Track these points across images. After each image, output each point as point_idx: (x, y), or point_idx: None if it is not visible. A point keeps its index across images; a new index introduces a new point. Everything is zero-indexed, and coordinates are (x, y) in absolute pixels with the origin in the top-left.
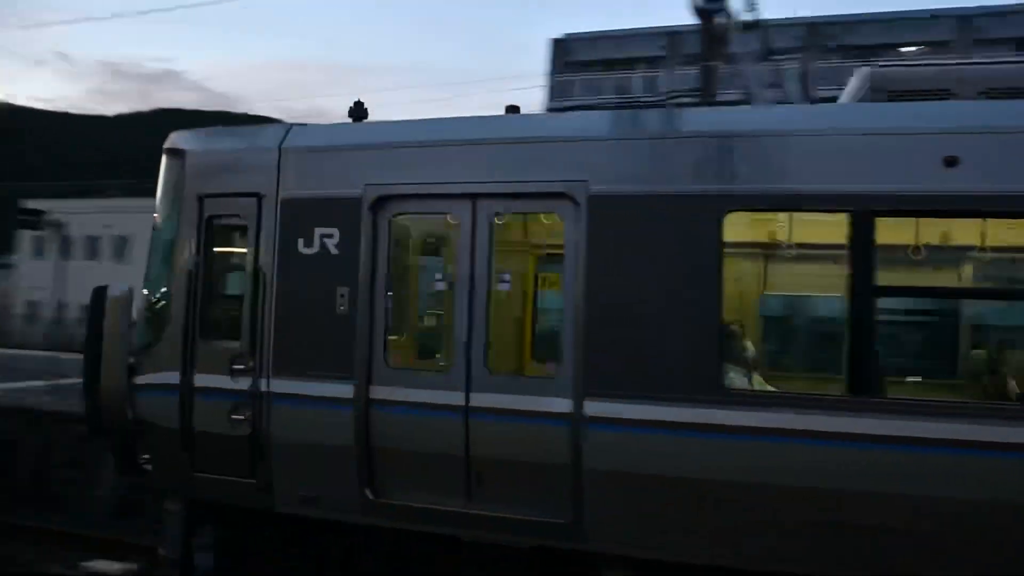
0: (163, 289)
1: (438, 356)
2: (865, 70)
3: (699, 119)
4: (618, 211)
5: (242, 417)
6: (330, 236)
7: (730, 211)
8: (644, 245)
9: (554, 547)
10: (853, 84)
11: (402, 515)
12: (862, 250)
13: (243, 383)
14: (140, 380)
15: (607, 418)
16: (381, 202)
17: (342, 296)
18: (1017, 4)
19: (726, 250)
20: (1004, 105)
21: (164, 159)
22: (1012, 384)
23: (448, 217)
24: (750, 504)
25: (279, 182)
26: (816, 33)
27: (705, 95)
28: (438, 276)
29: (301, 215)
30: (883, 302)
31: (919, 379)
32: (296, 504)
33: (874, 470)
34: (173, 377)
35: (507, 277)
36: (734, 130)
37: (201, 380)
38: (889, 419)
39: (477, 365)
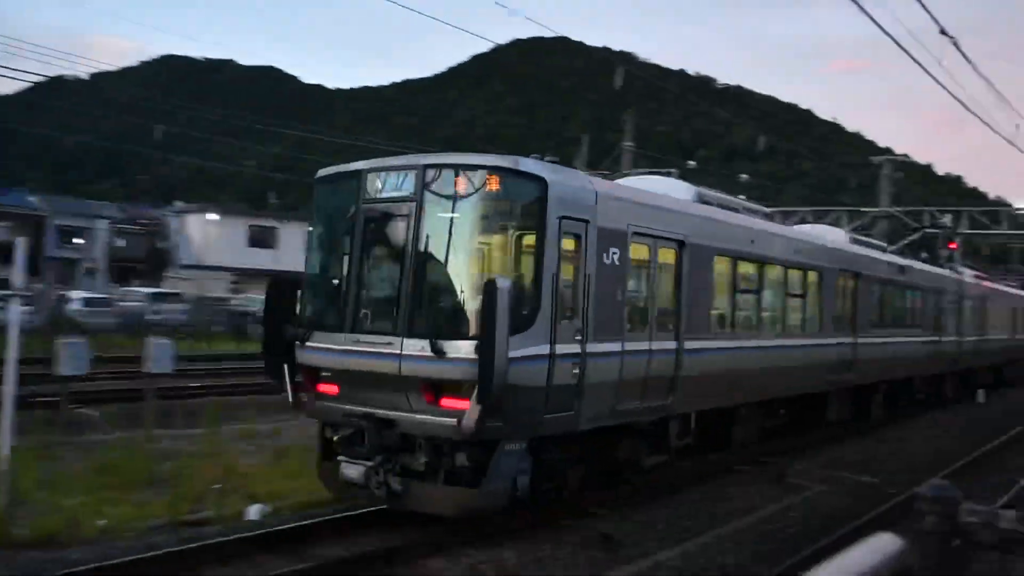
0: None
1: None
2: (693, 189)
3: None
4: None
5: (576, 370)
6: (615, 253)
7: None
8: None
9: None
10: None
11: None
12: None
13: (578, 348)
14: (516, 353)
15: (690, 348)
16: (630, 234)
17: (620, 291)
18: None
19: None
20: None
21: (514, 181)
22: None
23: (660, 246)
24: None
25: (597, 216)
26: None
27: None
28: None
29: (604, 238)
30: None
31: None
32: (590, 421)
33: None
34: (544, 348)
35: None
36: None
37: (560, 349)
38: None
39: (652, 330)
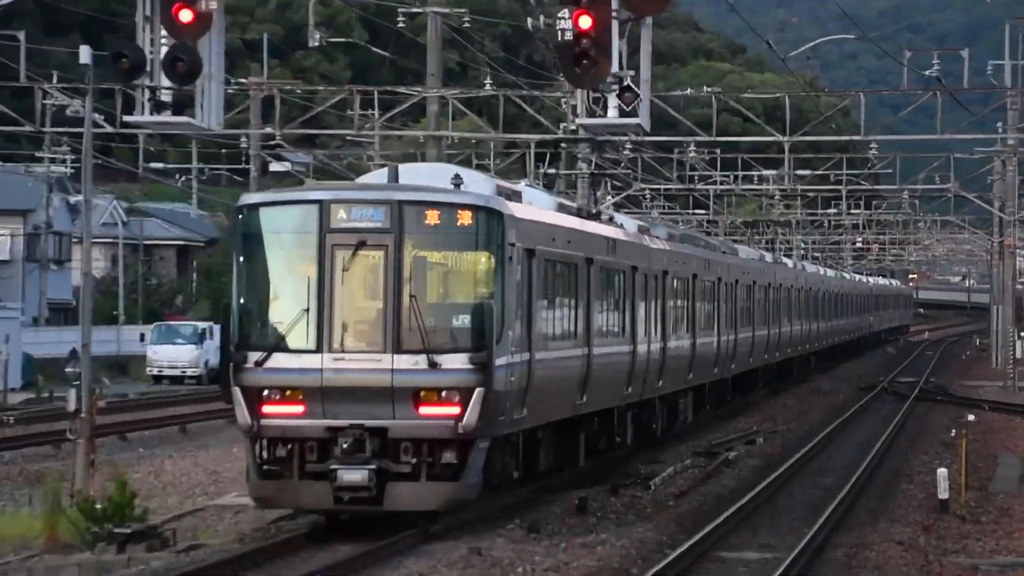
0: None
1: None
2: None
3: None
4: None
5: (523, 375)
6: (531, 270)
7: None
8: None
9: None
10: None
11: None
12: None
13: (527, 355)
14: (499, 362)
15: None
16: (532, 252)
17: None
18: None
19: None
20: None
21: (481, 215)
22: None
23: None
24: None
25: (527, 239)
26: None
27: None
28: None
29: (528, 257)
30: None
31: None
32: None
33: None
34: (507, 359)
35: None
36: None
37: (517, 357)
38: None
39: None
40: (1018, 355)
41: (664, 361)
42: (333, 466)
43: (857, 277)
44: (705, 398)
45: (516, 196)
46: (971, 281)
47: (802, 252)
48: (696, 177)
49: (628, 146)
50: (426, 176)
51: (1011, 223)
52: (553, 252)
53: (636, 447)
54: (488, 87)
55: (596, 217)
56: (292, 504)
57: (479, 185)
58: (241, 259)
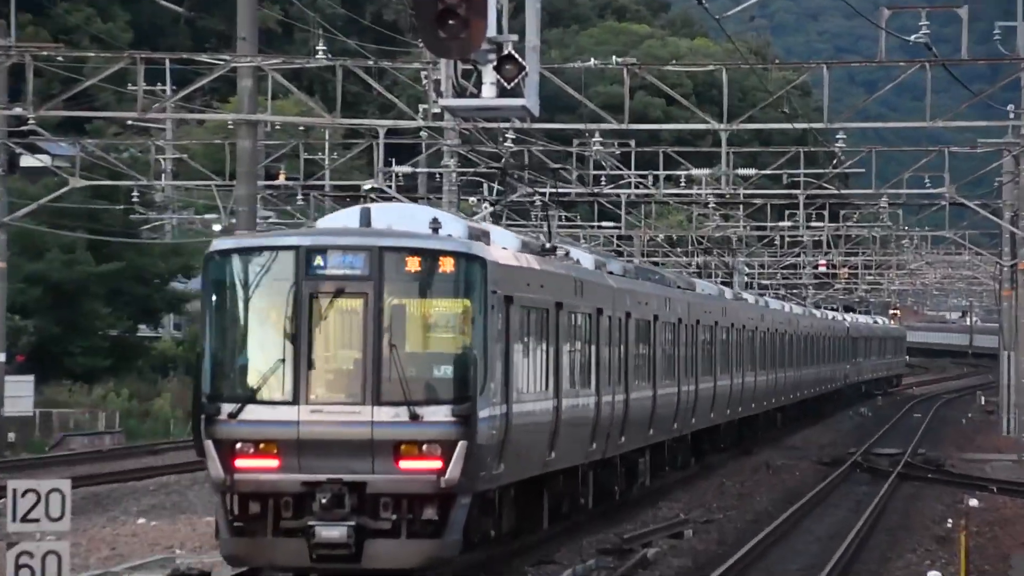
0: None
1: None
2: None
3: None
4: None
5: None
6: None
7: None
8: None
9: None
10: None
11: None
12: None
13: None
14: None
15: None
16: (511, 299)
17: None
18: None
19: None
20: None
21: (463, 261)
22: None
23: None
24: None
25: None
26: None
27: None
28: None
29: (505, 305)
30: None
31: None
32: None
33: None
34: (494, 410)
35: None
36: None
37: (499, 409)
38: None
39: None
40: None
41: (627, 415)
42: (310, 522)
43: (831, 315)
44: (664, 459)
45: (486, 237)
46: (974, 319)
47: (746, 279)
48: (603, 178)
49: (510, 136)
50: (397, 219)
51: None
52: (528, 298)
53: (596, 511)
54: (321, 56)
55: (552, 252)
56: (266, 562)
57: (449, 225)
58: (213, 307)
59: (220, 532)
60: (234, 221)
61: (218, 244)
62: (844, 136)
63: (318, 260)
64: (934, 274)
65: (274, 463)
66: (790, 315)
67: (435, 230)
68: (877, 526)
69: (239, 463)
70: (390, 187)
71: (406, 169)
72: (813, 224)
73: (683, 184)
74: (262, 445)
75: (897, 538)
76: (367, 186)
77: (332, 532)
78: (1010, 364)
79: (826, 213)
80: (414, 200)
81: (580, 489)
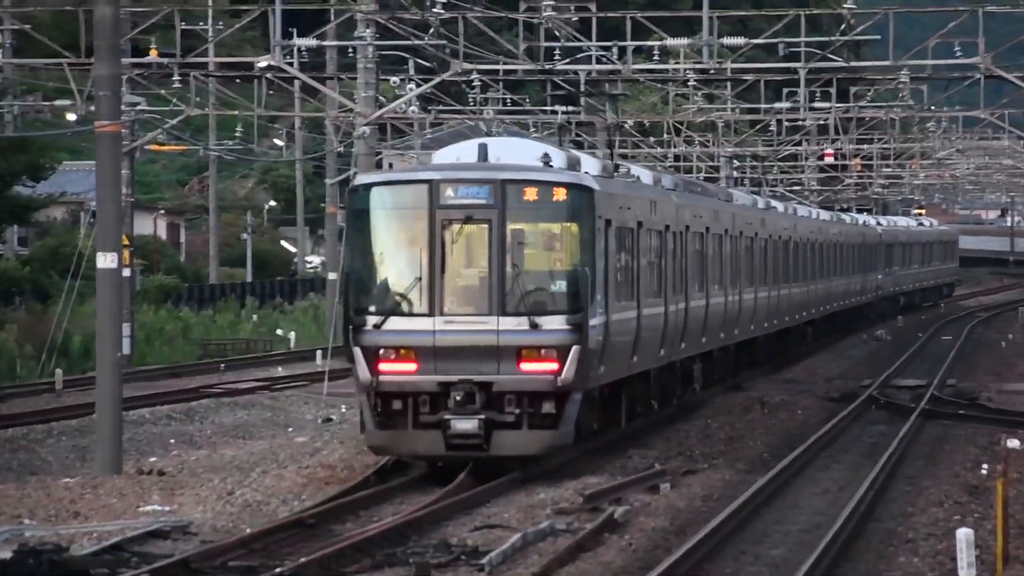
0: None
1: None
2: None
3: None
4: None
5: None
6: (619, 240)
7: None
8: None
9: None
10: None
11: None
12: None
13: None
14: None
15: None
16: (609, 222)
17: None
18: None
19: None
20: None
21: (574, 191)
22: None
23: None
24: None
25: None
26: None
27: None
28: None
29: (613, 230)
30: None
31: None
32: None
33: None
34: (600, 319)
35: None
36: None
37: (613, 312)
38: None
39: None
40: None
41: (686, 323)
42: (445, 416)
43: (862, 219)
44: (714, 368)
45: (579, 164)
46: (1015, 219)
47: (734, 176)
48: (557, 52)
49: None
50: (506, 151)
51: None
52: (620, 219)
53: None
54: None
55: (616, 170)
56: (407, 451)
57: (556, 158)
58: (357, 233)
59: (365, 426)
60: (92, 109)
61: (362, 179)
62: None
63: (449, 192)
64: (967, 164)
65: (413, 367)
66: (820, 223)
67: (546, 163)
68: (896, 475)
69: (383, 367)
70: (291, 64)
71: (310, 43)
72: (817, 105)
73: (657, 57)
74: (403, 351)
75: (921, 488)
76: (262, 63)
77: (465, 424)
78: None
79: (833, 91)
80: (320, 81)
81: (651, 391)
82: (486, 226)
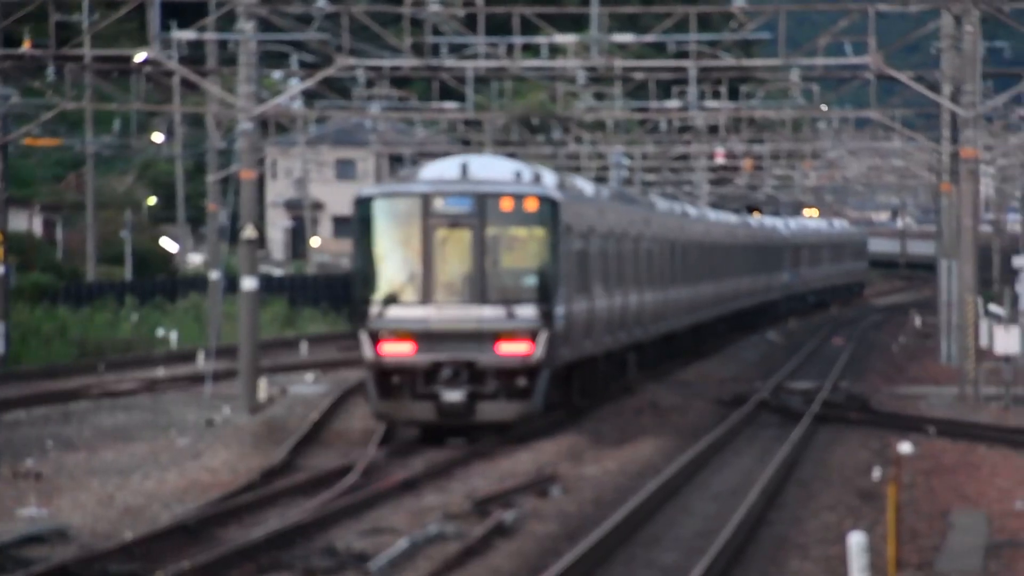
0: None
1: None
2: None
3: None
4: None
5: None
6: (575, 241)
7: None
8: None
9: None
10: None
11: None
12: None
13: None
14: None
15: None
16: (570, 228)
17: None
18: None
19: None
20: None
21: (543, 202)
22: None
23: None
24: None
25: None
26: None
27: None
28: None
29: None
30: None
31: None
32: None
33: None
34: (562, 309)
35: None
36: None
37: (572, 304)
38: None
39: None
40: (984, 343)
41: (625, 314)
42: (438, 389)
43: (770, 222)
44: (646, 358)
45: (541, 179)
46: (906, 220)
47: (626, 174)
48: (443, 47)
49: None
50: (484, 168)
51: (971, 121)
52: (577, 225)
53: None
54: None
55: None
56: (405, 418)
57: (525, 173)
58: (363, 237)
59: (370, 397)
60: None
61: (366, 192)
62: None
63: (438, 203)
64: (858, 165)
65: (410, 347)
66: (730, 226)
67: (517, 177)
68: (788, 479)
69: (385, 348)
70: (170, 58)
71: (190, 35)
72: (707, 104)
73: (544, 54)
74: (401, 334)
75: (812, 493)
76: (140, 57)
77: (454, 396)
78: (950, 276)
79: (723, 90)
80: (200, 75)
81: (598, 375)
82: (469, 231)
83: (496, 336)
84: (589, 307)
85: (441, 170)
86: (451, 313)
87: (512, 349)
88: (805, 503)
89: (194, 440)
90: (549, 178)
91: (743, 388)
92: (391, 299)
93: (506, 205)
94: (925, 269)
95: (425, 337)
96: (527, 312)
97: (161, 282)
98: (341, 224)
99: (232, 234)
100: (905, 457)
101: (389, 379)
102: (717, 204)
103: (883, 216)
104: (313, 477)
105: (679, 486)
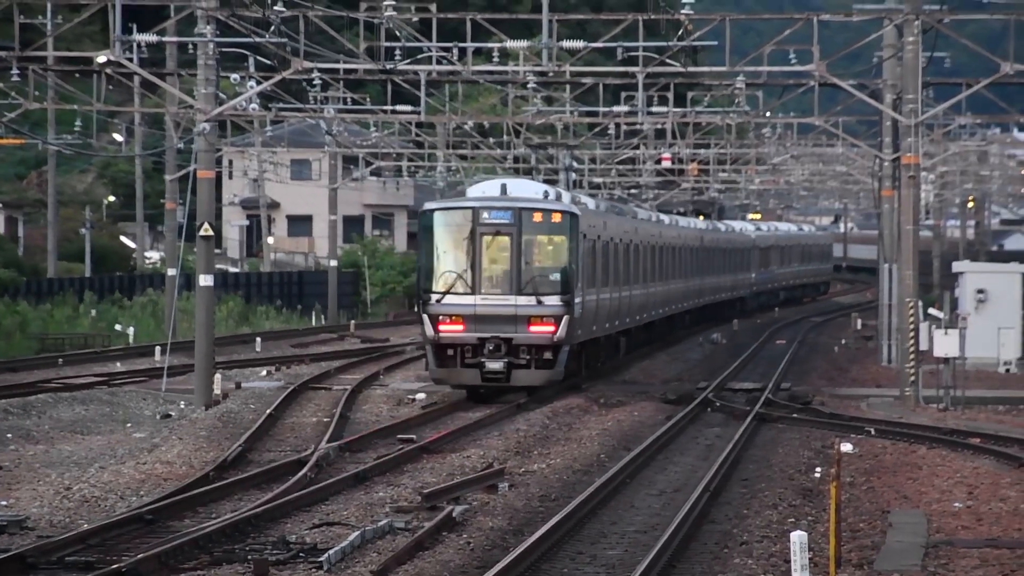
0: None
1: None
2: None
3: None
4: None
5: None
6: (592, 245)
7: None
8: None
9: None
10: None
11: None
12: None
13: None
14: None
15: None
16: (584, 235)
17: (595, 265)
18: None
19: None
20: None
21: (566, 216)
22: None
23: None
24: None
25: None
26: None
27: None
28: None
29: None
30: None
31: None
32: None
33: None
34: (579, 298)
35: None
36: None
37: (586, 296)
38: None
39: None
40: (924, 346)
41: (620, 305)
42: (482, 360)
43: (738, 226)
44: (632, 340)
45: (561, 197)
46: (848, 225)
47: (574, 178)
48: (398, 52)
49: None
50: (520, 188)
51: (913, 128)
52: (590, 234)
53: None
54: None
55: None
56: (456, 381)
57: (551, 191)
58: (426, 241)
59: (429, 365)
60: None
61: (429, 205)
62: (692, 1)
63: (484, 214)
64: (801, 170)
65: (461, 327)
66: (700, 232)
67: (546, 195)
68: (731, 477)
69: (441, 327)
70: (131, 60)
71: (150, 38)
72: (655, 109)
73: (496, 60)
74: (454, 317)
75: (755, 491)
76: (101, 59)
77: (495, 365)
78: (891, 280)
79: (670, 96)
80: (160, 77)
81: (600, 352)
82: (509, 237)
83: (528, 319)
84: (596, 299)
85: (484, 188)
86: (493, 301)
87: (540, 330)
88: (748, 501)
89: (150, 433)
90: (566, 196)
91: (688, 388)
92: (447, 290)
93: (537, 217)
94: (866, 272)
95: (473, 319)
96: (553, 301)
97: (120, 278)
98: (295, 223)
99: (189, 232)
100: (846, 457)
101: (444, 351)
102: (663, 207)
103: (826, 220)
104: (266, 470)
105: (624, 482)
